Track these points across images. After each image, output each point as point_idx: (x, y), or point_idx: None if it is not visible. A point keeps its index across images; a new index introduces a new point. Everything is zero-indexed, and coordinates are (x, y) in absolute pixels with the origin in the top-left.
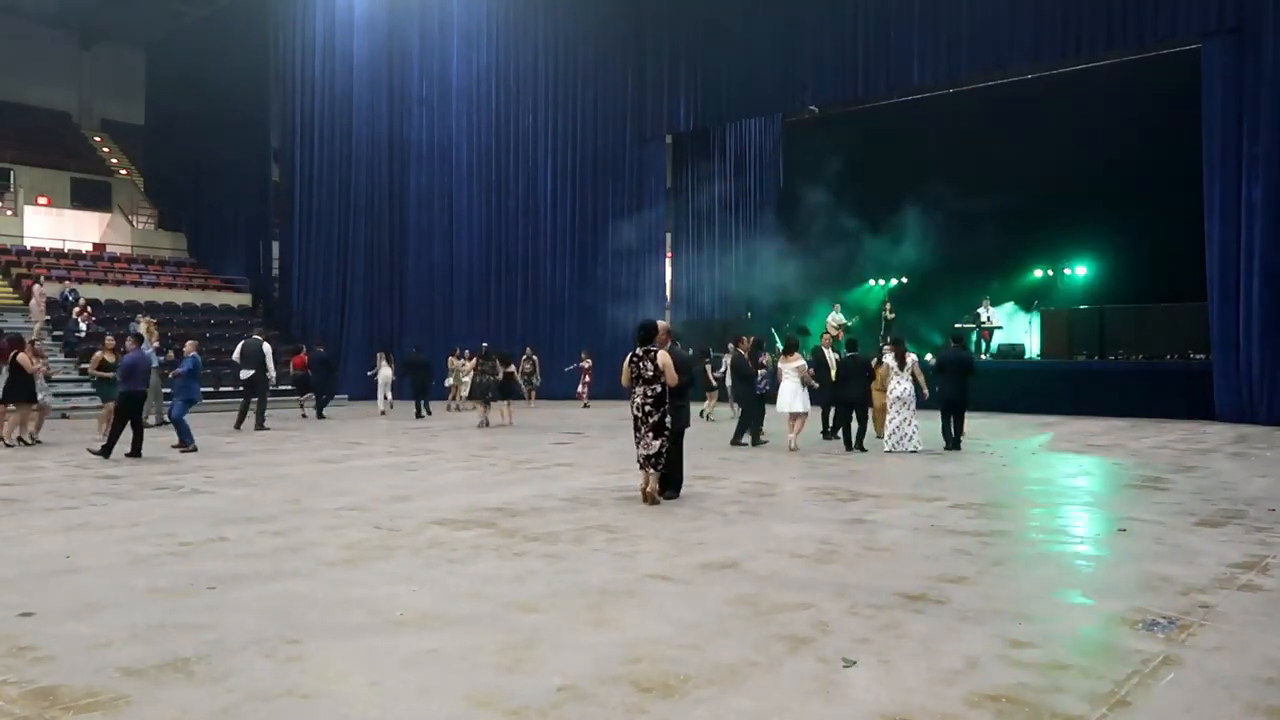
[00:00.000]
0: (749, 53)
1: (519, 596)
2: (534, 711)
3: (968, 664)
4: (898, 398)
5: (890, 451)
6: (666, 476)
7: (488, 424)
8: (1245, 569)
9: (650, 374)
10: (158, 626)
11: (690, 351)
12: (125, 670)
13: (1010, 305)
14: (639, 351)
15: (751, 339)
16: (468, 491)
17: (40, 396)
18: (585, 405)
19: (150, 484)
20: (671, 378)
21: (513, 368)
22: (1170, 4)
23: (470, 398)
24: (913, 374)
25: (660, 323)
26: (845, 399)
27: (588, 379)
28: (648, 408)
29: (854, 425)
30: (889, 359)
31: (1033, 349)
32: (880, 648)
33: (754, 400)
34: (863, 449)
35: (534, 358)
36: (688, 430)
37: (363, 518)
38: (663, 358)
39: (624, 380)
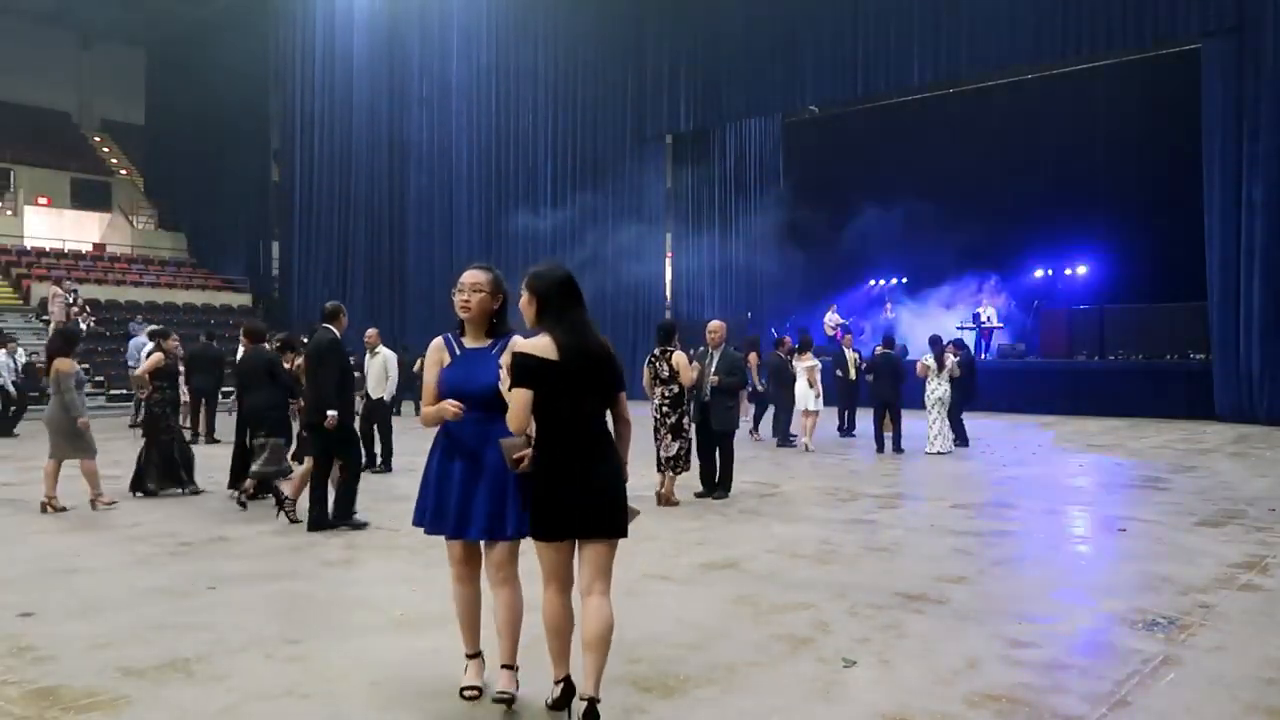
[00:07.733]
0: (749, 53)
1: None
2: (534, 711)
3: (968, 664)
4: (940, 399)
5: (937, 453)
6: (721, 477)
7: None
8: (1245, 569)
9: (667, 374)
10: (158, 626)
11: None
12: (125, 670)
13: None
14: (656, 352)
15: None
16: None
17: None
18: None
19: None
20: (686, 379)
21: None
22: (1170, 4)
23: None
24: (950, 374)
25: (715, 321)
26: (880, 398)
27: None
28: (664, 409)
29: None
30: (929, 359)
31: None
32: (880, 648)
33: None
34: (899, 449)
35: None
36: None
37: (362, 517)
38: (678, 358)
39: (644, 382)
